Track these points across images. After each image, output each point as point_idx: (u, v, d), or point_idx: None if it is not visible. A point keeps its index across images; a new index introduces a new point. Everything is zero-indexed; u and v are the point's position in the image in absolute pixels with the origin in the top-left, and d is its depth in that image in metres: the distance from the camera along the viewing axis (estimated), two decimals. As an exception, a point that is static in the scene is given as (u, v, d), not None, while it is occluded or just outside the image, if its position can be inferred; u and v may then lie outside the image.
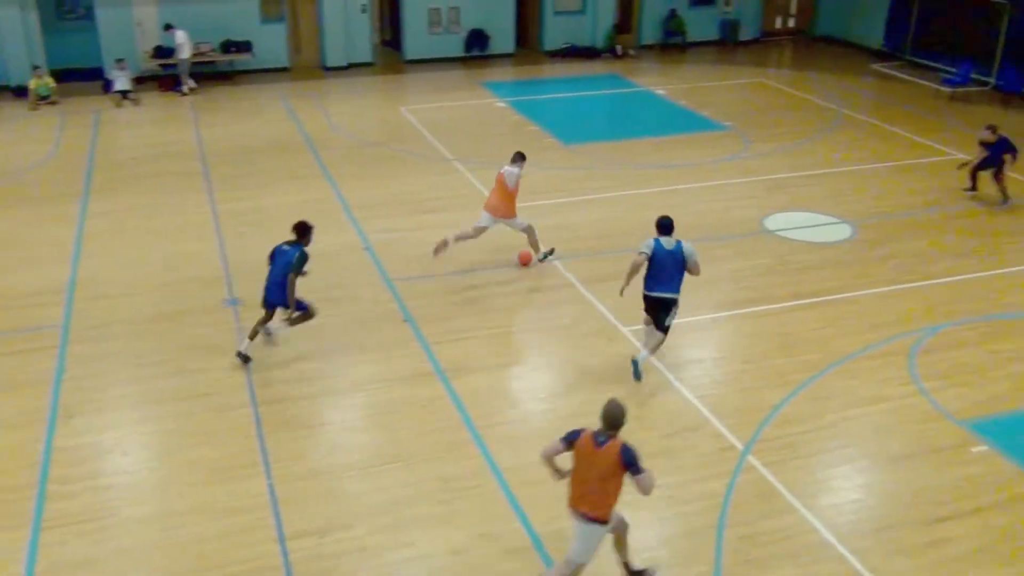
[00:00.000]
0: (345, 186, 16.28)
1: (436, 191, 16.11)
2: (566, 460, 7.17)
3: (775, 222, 14.71)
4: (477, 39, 26.26)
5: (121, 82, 21.48)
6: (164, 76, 22.70)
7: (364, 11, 25.18)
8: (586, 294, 12.34)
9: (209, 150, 18.32)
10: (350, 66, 25.20)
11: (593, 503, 6.99)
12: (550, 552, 7.85)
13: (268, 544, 7.94)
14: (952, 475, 8.86)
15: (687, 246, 10.19)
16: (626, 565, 7.58)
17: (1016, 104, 21.79)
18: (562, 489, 8.55)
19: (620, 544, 7.49)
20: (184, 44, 21.94)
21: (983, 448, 9.23)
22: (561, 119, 20.84)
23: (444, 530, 8.13)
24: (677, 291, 10.29)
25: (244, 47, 23.82)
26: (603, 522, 7.06)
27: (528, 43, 27.62)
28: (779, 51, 28.55)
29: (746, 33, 28.91)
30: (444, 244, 12.91)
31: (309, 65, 25.20)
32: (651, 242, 10.17)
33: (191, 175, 16.91)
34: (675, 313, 10.40)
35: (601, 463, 6.90)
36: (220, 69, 23.90)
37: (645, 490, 6.94)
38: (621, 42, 27.10)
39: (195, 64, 23.22)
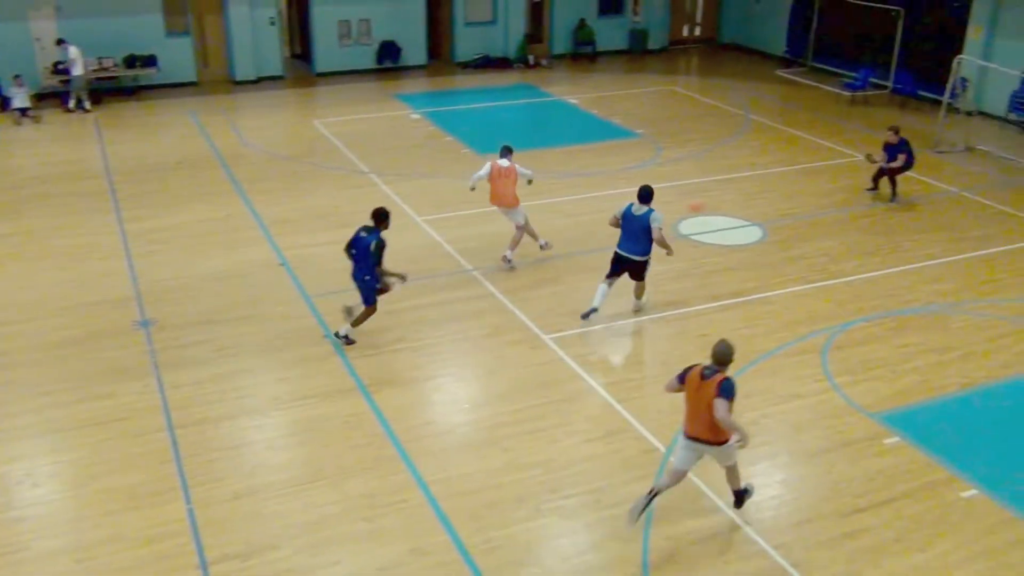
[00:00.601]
0: (258, 202, 16.02)
1: (352, 204, 15.95)
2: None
3: (689, 227, 14.97)
4: (389, 51, 26.16)
5: (19, 99, 20.74)
6: (64, 93, 22.02)
7: (273, 24, 24.86)
8: (507, 304, 12.36)
9: (115, 168, 17.82)
10: (260, 79, 24.84)
11: (705, 429, 7.89)
12: (479, 564, 7.82)
13: (189, 571, 7.73)
14: (866, 467, 9.13)
15: (654, 215, 11.33)
16: (735, 493, 8.42)
17: (912, 106, 22.65)
18: (490, 497, 8.56)
19: (732, 474, 8.34)
20: (77, 60, 21.23)
21: (895, 439, 9.54)
22: (476, 130, 20.87)
23: (372, 547, 8.03)
24: (640, 253, 11.51)
25: (149, 62, 23.27)
26: (724, 443, 7.95)
27: (440, 54, 27.62)
28: (687, 59, 29.15)
29: (654, 42, 29.45)
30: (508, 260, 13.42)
31: (217, 79, 24.76)
32: (626, 205, 11.56)
33: (97, 194, 16.42)
34: (647, 270, 11.75)
35: (706, 393, 7.80)
36: (125, 85, 23.29)
37: (724, 420, 7.72)
38: (533, 52, 27.31)
39: (98, 80, 22.65)
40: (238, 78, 24.65)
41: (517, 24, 27.32)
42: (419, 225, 15.03)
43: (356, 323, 11.26)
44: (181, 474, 8.93)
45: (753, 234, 14.74)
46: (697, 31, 30.98)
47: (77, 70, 21.31)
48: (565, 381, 10.57)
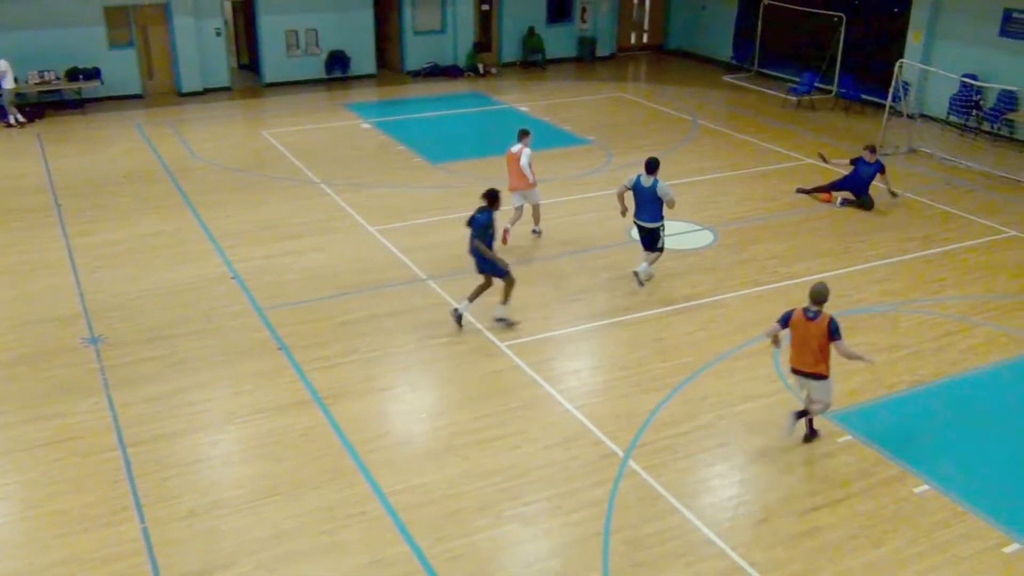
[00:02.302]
0: (208, 214, 15.82)
1: (304, 215, 15.84)
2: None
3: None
4: (337, 61, 26.03)
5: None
6: (1, 108, 21.55)
7: (219, 34, 24.60)
8: (463, 312, 12.33)
9: (60, 183, 17.48)
10: (206, 91, 24.56)
11: (811, 363, 9.01)
12: (441, 574, 7.79)
13: (145, 591, 7.60)
14: (821, 466, 9.26)
15: (661, 184, 12.59)
16: (808, 421, 9.54)
17: (856, 110, 23.09)
18: (450, 507, 8.53)
19: (816, 408, 9.37)
20: (7, 73, 20.74)
21: (847, 438, 9.69)
22: (427, 138, 20.84)
23: (332, 560, 7.95)
24: (655, 220, 12.78)
25: (92, 74, 22.86)
26: (826, 376, 9.05)
27: (390, 64, 27.56)
28: (635, 66, 29.41)
29: (602, 49, 29.69)
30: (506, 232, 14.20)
31: (163, 91, 24.43)
32: (633, 177, 12.84)
33: (41, 210, 16.10)
34: (662, 236, 12.93)
35: (814, 332, 8.88)
36: (67, 98, 22.88)
37: (846, 354, 8.99)
38: (482, 61, 27.37)
39: (41, 93, 22.24)
40: (184, 90, 24.35)
41: (466, 33, 27.37)
42: (372, 235, 14.96)
43: (504, 299, 11.81)
44: (135, 493, 8.77)
45: (705, 238, 14.89)
46: (644, 38, 31.29)
47: (7, 84, 20.81)
48: (522, 388, 10.58)
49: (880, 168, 16.11)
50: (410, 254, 14.15)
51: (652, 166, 12.70)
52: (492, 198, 11.71)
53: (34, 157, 19.10)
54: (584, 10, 29.11)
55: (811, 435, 9.58)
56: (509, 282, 11.78)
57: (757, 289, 13.11)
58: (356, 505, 8.63)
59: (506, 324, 11.89)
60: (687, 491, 8.88)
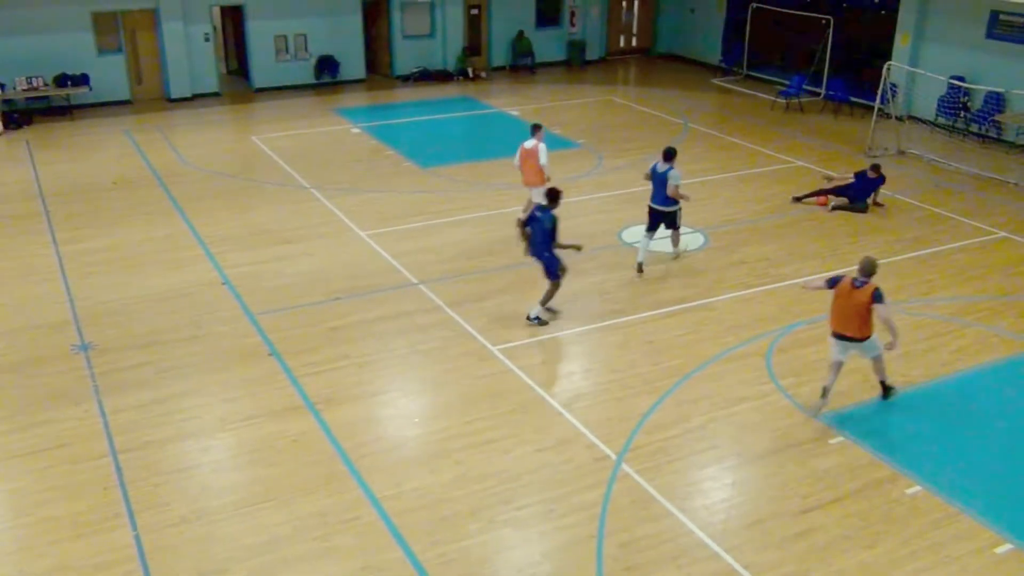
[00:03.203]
0: (198, 220, 15.78)
1: (295, 220, 15.82)
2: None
3: (632, 234, 15.11)
4: (327, 66, 26.01)
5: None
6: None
7: (207, 40, 24.55)
8: (454, 316, 12.34)
9: (48, 189, 17.42)
10: (195, 96, 24.51)
11: (855, 328, 9.60)
12: (434, 578, 7.79)
13: (138, 598, 7.57)
14: (813, 467, 9.28)
15: (673, 172, 13.31)
16: (882, 384, 10.23)
17: (845, 112, 23.18)
18: (443, 511, 8.52)
19: (878, 365, 10.05)
20: None
21: (840, 439, 9.72)
22: (417, 143, 20.84)
23: (325, 566, 7.93)
24: (668, 204, 13.49)
25: (80, 80, 22.79)
26: (868, 338, 9.66)
27: (379, 68, 27.54)
28: (624, 70, 29.47)
29: (592, 53, 29.72)
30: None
31: (152, 97, 24.35)
32: (653, 165, 13.64)
33: (30, 216, 16.03)
34: (678, 218, 13.73)
35: (859, 299, 9.48)
36: (56, 104, 22.80)
37: (885, 319, 9.50)
38: (472, 65, 27.38)
39: (29, 99, 22.16)
40: (173, 95, 24.29)
41: (455, 37, 27.38)
42: (363, 239, 14.94)
43: (545, 300, 12.03)
44: (126, 500, 8.74)
45: (695, 240, 14.92)
46: (634, 42, 31.35)
47: None
48: (514, 392, 10.58)
49: (882, 182, 16.23)
50: (401, 258, 14.15)
51: (669, 154, 13.43)
52: (553, 197, 11.92)
53: (23, 163, 19.03)
54: (573, 14, 29.16)
55: (886, 395, 10.30)
56: (556, 287, 12.02)
57: (748, 291, 13.14)
58: (349, 510, 8.61)
59: (539, 323, 12.04)
60: (680, 494, 8.88)
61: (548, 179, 14.53)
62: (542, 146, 14.49)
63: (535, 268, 13.77)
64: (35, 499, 8.78)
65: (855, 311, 9.53)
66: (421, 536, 8.26)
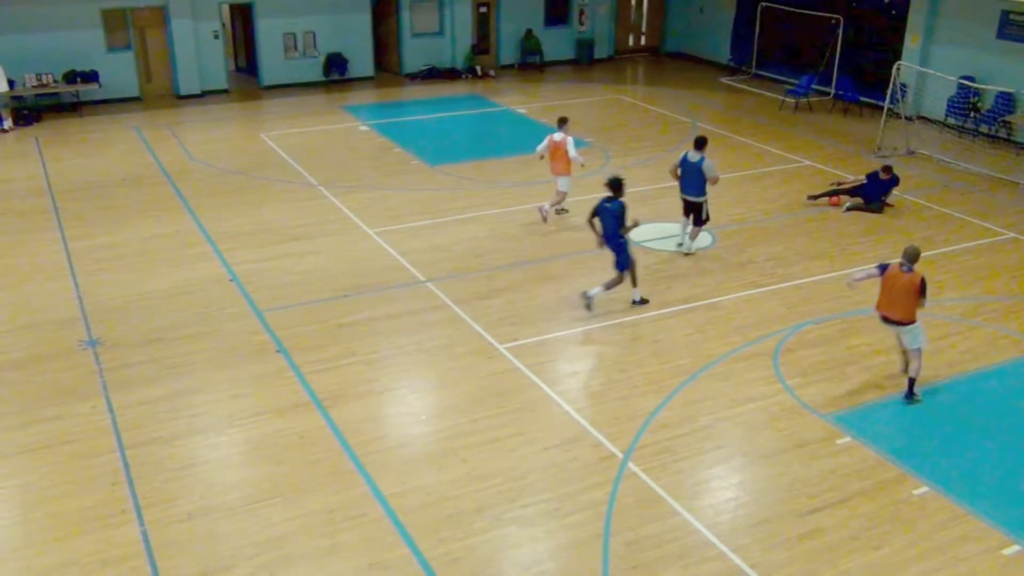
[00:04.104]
0: (207, 217, 15.81)
1: (303, 218, 15.84)
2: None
3: (638, 234, 15.06)
4: (335, 63, 26.03)
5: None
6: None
7: (216, 37, 24.60)
8: (461, 314, 12.35)
9: (58, 186, 17.47)
10: (204, 94, 24.56)
11: (902, 312, 10.15)
12: (440, 576, 7.80)
13: (144, 594, 7.60)
14: (820, 467, 9.26)
15: (707, 161, 13.66)
16: (911, 381, 10.44)
17: (854, 112, 23.12)
18: (449, 509, 8.52)
19: (915, 361, 10.34)
20: None
21: (847, 440, 9.69)
22: (426, 141, 20.85)
23: (331, 563, 7.94)
24: (698, 194, 13.86)
25: (90, 77, 22.84)
26: (914, 322, 10.15)
27: (388, 66, 27.56)
28: (633, 68, 29.43)
29: (600, 51, 29.69)
30: (544, 215, 15.29)
31: (161, 94, 24.42)
32: (682, 155, 13.98)
33: (39, 213, 16.09)
34: (705, 209, 14.02)
35: (905, 283, 10.04)
36: (65, 101, 22.87)
37: (921, 305, 10.14)
38: (480, 63, 27.38)
39: (38, 96, 22.24)
40: (182, 93, 24.35)
41: (464, 35, 27.38)
42: (371, 237, 14.96)
43: (634, 282, 12.40)
44: (133, 496, 8.76)
45: (703, 240, 14.89)
46: (642, 40, 31.31)
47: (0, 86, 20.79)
48: (521, 390, 10.58)
49: (896, 183, 16.19)
50: (408, 256, 14.15)
51: (700, 143, 13.77)
52: (617, 186, 12.12)
53: (32, 160, 19.09)
54: (582, 12, 29.13)
55: (910, 396, 10.41)
56: (621, 277, 12.29)
57: (755, 291, 13.11)
58: (355, 508, 8.62)
59: (587, 304, 12.22)
60: (686, 493, 8.87)
61: (582, 165, 15.53)
62: (570, 139, 15.10)
63: (542, 266, 13.81)
64: (43, 494, 8.81)
65: (903, 295, 10.06)
66: (427, 534, 8.26)
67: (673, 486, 8.93)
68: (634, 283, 12.46)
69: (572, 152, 15.05)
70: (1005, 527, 8.41)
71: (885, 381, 10.80)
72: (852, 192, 16.39)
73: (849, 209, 16.19)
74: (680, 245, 14.32)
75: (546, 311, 12.48)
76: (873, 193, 16.20)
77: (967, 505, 8.70)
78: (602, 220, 12.24)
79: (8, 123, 21.05)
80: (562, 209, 15.75)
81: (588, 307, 12.23)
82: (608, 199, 12.16)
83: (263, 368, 11.03)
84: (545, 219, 15.35)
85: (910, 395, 10.40)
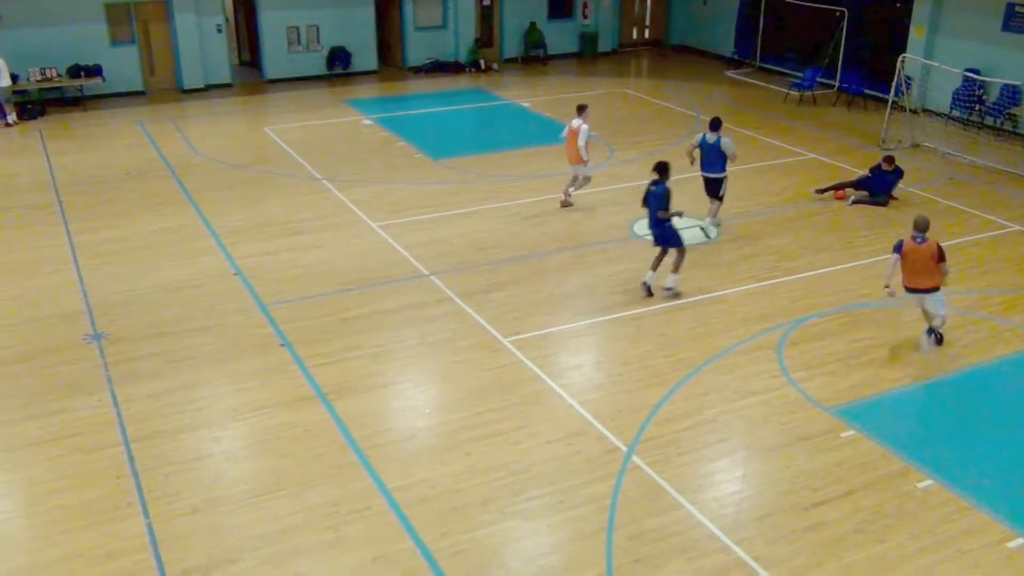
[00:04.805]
0: (211, 211, 15.83)
1: (307, 211, 15.85)
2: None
3: (643, 227, 15.04)
4: (339, 57, 26.02)
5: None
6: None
7: (220, 31, 24.59)
8: (465, 307, 12.35)
9: (62, 180, 17.50)
10: (208, 87, 24.56)
11: (925, 280, 10.76)
12: (444, 569, 7.80)
13: (150, 587, 7.62)
14: (824, 460, 9.26)
15: (725, 140, 14.35)
16: (937, 332, 11.21)
17: (858, 105, 23.06)
18: (453, 502, 8.54)
19: (938, 321, 11.10)
20: (2, 71, 20.59)
21: (851, 433, 9.68)
22: (429, 134, 20.84)
23: (335, 556, 7.96)
24: (719, 171, 14.52)
25: (94, 71, 22.87)
26: (938, 288, 10.80)
27: (391, 60, 27.54)
28: (637, 61, 29.38)
29: (604, 45, 29.63)
30: (568, 201, 15.81)
31: (165, 88, 24.43)
32: (700, 135, 14.64)
33: (43, 207, 16.11)
34: (725, 187, 14.66)
35: (924, 253, 10.67)
36: (69, 95, 22.88)
37: (945, 273, 10.82)
38: (484, 56, 27.34)
39: (42, 90, 22.26)
40: (186, 86, 24.35)
41: (467, 28, 27.35)
42: (374, 231, 14.96)
43: (675, 268, 12.57)
44: (139, 489, 8.78)
45: (709, 232, 14.86)
46: (646, 33, 31.25)
47: (3, 81, 20.73)
48: (525, 383, 10.58)
49: (900, 175, 16.15)
50: (412, 250, 14.16)
51: (716, 124, 14.45)
52: (663, 170, 12.38)
53: (36, 154, 19.11)
54: (586, 5, 29.06)
55: (940, 341, 11.23)
56: (682, 254, 12.55)
57: (759, 284, 13.09)
58: (359, 501, 8.63)
59: (673, 294, 12.57)
60: (690, 486, 8.87)
61: (587, 160, 15.57)
62: (584, 127, 15.32)
63: (546, 259, 13.80)
64: (48, 487, 8.84)
65: (923, 265, 10.67)
66: (431, 527, 8.27)
67: (677, 479, 8.94)
68: (675, 268, 12.64)
69: (580, 141, 15.29)
70: (1010, 520, 8.40)
71: (889, 374, 10.80)
72: (857, 185, 16.36)
73: (855, 202, 16.16)
74: (700, 228, 14.69)
75: (550, 304, 12.48)
76: (878, 186, 16.17)
77: (971, 498, 8.69)
78: (648, 203, 12.55)
79: (12, 117, 21.06)
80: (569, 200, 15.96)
81: (676, 296, 12.60)
82: (654, 182, 12.43)
83: (267, 362, 11.05)
84: (569, 199, 15.90)
85: (930, 332, 11.20)
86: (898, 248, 10.85)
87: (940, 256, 10.66)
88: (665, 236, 12.55)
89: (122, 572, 7.75)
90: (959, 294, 12.81)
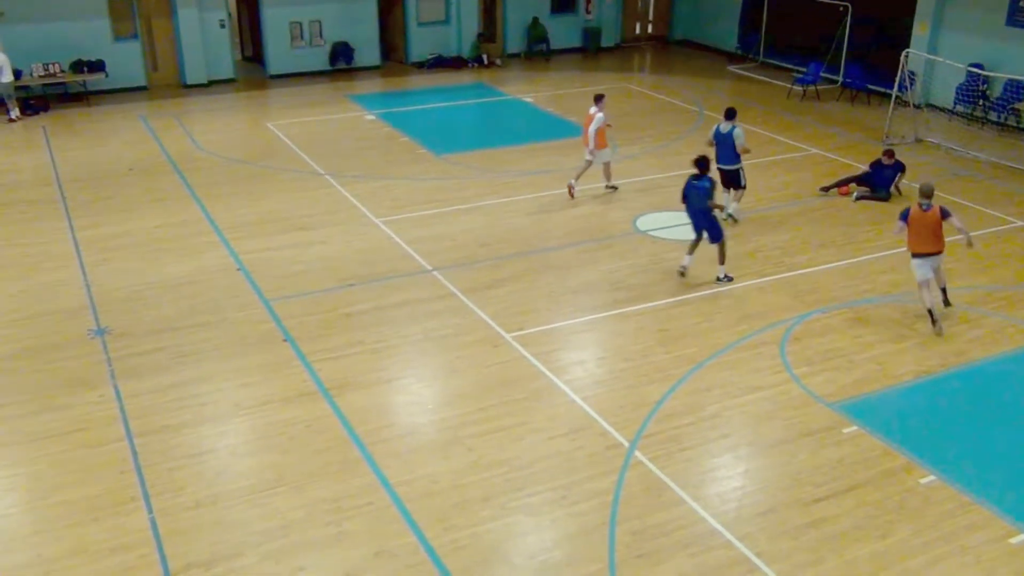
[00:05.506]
0: (214, 206, 15.84)
1: (310, 207, 15.85)
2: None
3: (646, 222, 15.07)
4: (342, 52, 26.01)
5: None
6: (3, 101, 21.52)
7: (223, 26, 24.60)
8: (467, 303, 12.36)
9: (65, 175, 17.52)
10: (211, 83, 24.57)
11: (932, 244, 11.32)
12: (447, 564, 7.81)
13: (153, 581, 7.64)
14: (826, 456, 9.26)
15: (737, 130, 14.43)
16: (943, 290, 11.92)
17: (862, 100, 23.02)
18: (456, 497, 8.55)
19: (942, 275, 11.77)
20: (4, 67, 20.63)
21: (853, 429, 9.68)
22: (432, 130, 20.84)
23: (337, 551, 7.98)
24: (733, 163, 14.63)
25: (97, 67, 22.89)
26: (942, 251, 11.40)
27: (394, 55, 27.52)
28: (640, 57, 29.34)
29: (607, 40, 29.60)
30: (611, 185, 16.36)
31: (168, 83, 24.44)
32: (715, 127, 14.76)
33: (47, 202, 16.13)
34: (743, 176, 14.77)
35: (930, 219, 11.27)
36: (72, 90, 22.90)
37: (959, 226, 11.41)
38: (487, 51, 27.31)
39: (45, 86, 22.28)
40: (189, 82, 24.36)
41: (470, 24, 27.32)
42: (377, 226, 14.97)
43: (722, 259, 12.83)
44: (142, 484, 8.81)
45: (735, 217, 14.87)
46: (649, 29, 31.20)
47: (5, 77, 20.69)
48: (527, 379, 10.59)
49: (901, 168, 16.12)
50: (415, 245, 14.16)
51: (730, 114, 14.61)
52: (704, 165, 12.62)
53: (39, 150, 19.13)
54: (589, 0, 29.02)
55: (947, 303, 11.88)
56: (723, 245, 12.81)
57: (762, 280, 13.09)
58: (362, 496, 8.65)
59: (728, 279, 12.89)
60: (693, 481, 8.88)
61: (602, 146, 15.80)
62: (599, 116, 15.59)
63: (549, 255, 13.79)
64: (52, 483, 8.87)
65: (930, 230, 11.23)
66: (434, 522, 8.29)
67: (679, 475, 8.95)
68: (721, 260, 12.83)
69: (591, 129, 15.57)
70: (1012, 516, 8.40)
71: (892, 370, 10.79)
72: (860, 181, 16.33)
73: (859, 198, 16.13)
74: (728, 216, 14.73)
75: (552, 300, 12.48)
76: (880, 181, 16.14)
77: (974, 494, 8.69)
78: (689, 197, 12.72)
79: (15, 113, 21.08)
80: (612, 186, 16.51)
81: (730, 280, 12.90)
82: (696, 176, 12.62)
83: (270, 357, 11.06)
84: (612, 186, 16.46)
85: (946, 301, 11.92)
86: (904, 216, 11.36)
87: (944, 215, 11.20)
88: (708, 227, 12.77)
89: (125, 567, 7.78)
90: (963, 290, 12.80)
